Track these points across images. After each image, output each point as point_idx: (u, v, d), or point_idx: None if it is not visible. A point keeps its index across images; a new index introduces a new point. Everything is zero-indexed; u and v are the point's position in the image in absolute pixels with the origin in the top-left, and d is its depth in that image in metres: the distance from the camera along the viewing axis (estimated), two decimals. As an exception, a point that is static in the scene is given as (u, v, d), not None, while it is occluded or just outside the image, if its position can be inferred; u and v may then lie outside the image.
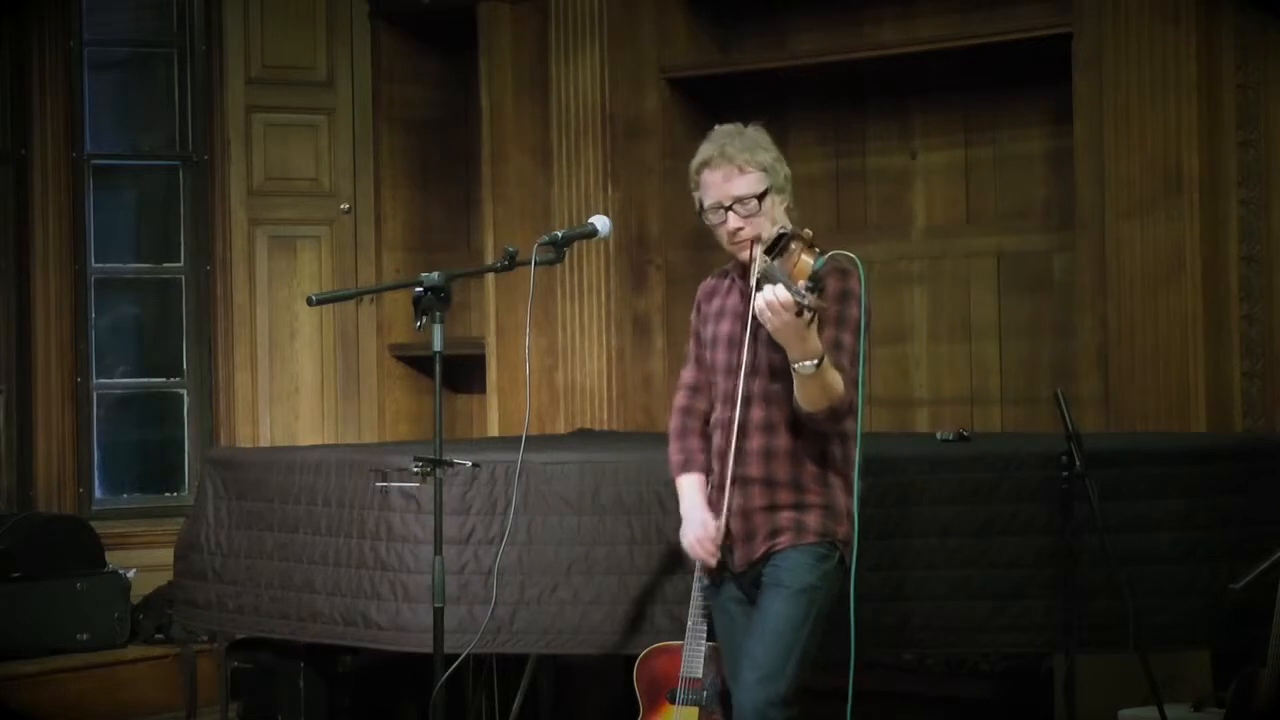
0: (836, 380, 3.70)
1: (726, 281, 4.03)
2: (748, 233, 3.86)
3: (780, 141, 7.10)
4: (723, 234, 3.92)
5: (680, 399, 4.12)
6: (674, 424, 4.12)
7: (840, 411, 3.76)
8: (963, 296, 6.83)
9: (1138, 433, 5.82)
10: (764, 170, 3.88)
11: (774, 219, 3.88)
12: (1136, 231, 5.96)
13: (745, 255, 3.86)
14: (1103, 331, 6.04)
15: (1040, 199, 6.69)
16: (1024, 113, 6.71)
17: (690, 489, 4.02)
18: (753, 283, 3.72)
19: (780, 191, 3.92)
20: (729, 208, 3.87)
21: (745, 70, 7.04)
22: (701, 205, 3.94)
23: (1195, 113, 5.89)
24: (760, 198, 3.86)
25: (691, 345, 4.13)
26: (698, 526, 3.94)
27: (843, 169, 7.06)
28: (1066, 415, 4.52)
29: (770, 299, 3.54)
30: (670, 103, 7.09)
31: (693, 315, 4.12)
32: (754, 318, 3.72)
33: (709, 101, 7.12)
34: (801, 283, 3.50)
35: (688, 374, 4.13)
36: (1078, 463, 4.48)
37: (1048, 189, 6.64)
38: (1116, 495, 4.63)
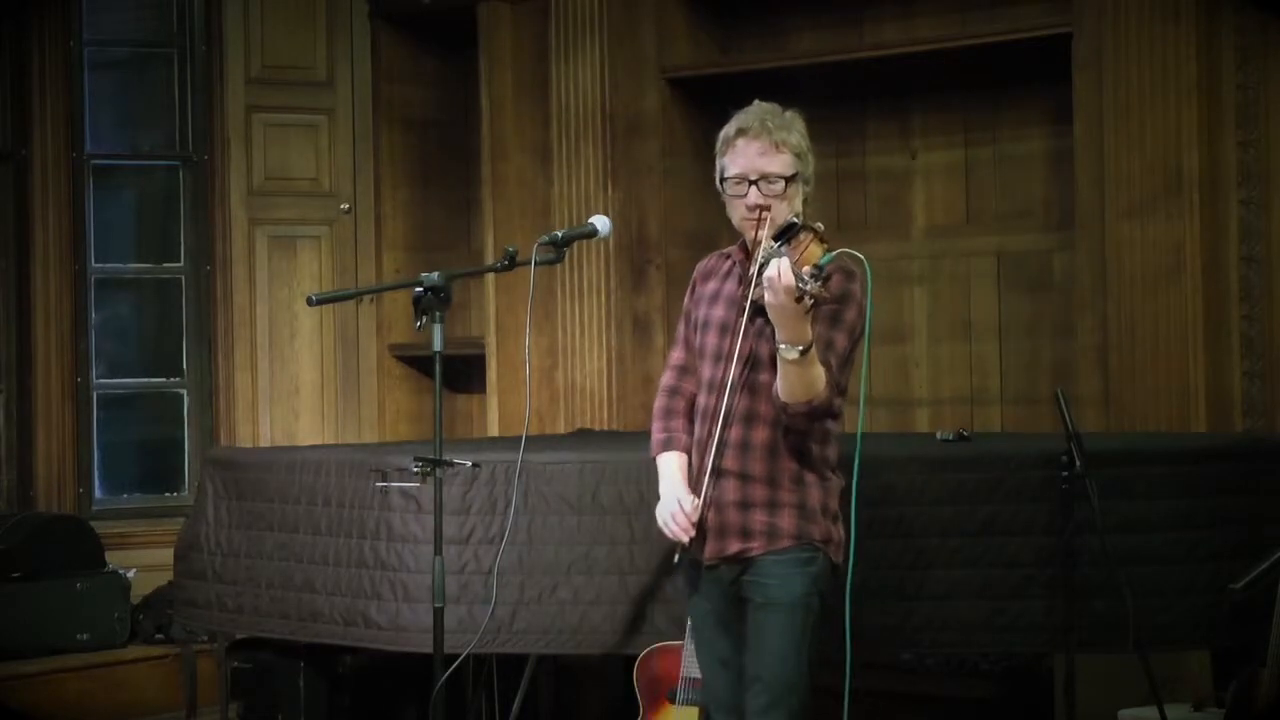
0: (820, 377, 3.62)
1: (727, 264, 3.94)
2: (766, 212, 3.75)
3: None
4: (738, 207, 3.81)
5: (667, 378, 4.03)
6: (658, 404, 4.03)
7: (819, 410, 3.68)
8: (963, 296, 6.83)
9: (1138, 433, 5.82)
10: (797, 156, 3.79)
11: (793, 207, 3.79)
12: (1136, 231, 5.96)
13: (754, 234, 3.76)
14: (1103, 331, 6.04)
15: (1040, 199, 6.69)
16: (1024, 113, 6.71)
17: (670, 467, 3.92)
18: (754, 269, 3.65)
19: (806, 183, 3.83)
20: (754, 182, 3.77)
21: (745, 70, 7.02)
22: (723, 174, 3.84)
23: (1195, 113, 5.89)
24: (788, 181, 3.77)
25: (681, 326, 4.04)
26: (672, 503, 3.83)
27: (843, 169, 7.05)
28: (1066, 415, 4.52)
29: (772, 275, 3.45)
30: (670, 103, 7.09)
31: (687, 296, 4.03)
32: (750, 306, 3.66)
33: (709, 101, 7.12)
34: (806, 269, 3.44)
35: (676, 355, 4.04)
36: (1078, 463, 4.48)
37: (1048, 189, 6.64)
38: (1116, 495, 4.63)
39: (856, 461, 3.75)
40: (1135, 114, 5.95)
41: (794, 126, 3.83)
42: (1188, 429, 5.81)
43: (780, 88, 7.07)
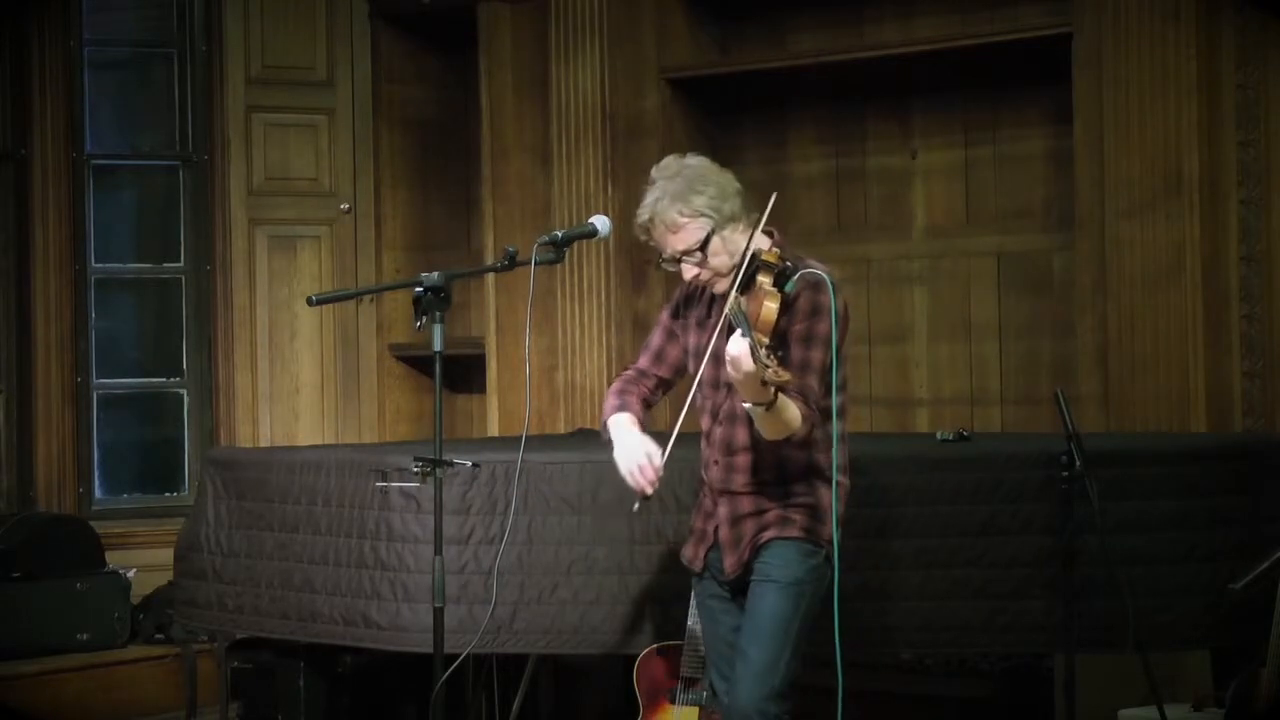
0: (794, 415, 3.68)
1: (703, 290, 4.01)
2: (705, 275, 3.87)
3: (780, 141, 7.11)
4: (683, 278, 3.93)
5: (626, 377, 4.11)
6: (615, 386, 4.10)
7: (798, 440, 3.77)
8: (963, 296, 6.83)
9: (1138, 433, 5.83)
10: (703, 214, 3.82)
11: (730, 251, 3.84)
12: (1136, 231, 5.96)
13: (717, 289, 3.89)
14: (1103, 331, 6.04)
15: (1040, 199, 6.68)
16: (1024, 113, 6.71)
17: (626, 424, 3.97)
18: (724, 317, 3.72)
19: (730, 221, 3.84)
20: (679, 260, 3.87)
21: (745, 70, 7.03)
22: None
23: (1195, 113, 5.89)
24: (705, 243, 3.83)
25: (657, 338, 4.12)
26: (640, 455, 3.87)
27: (843, 169, 7.05)
28: (1066, 415, 4.53)
29: (735, 355, 3.51)
30: (670, 103, 7.08)
31: (666, 311, 4.12)
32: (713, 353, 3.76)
33: (709, 101, 7.12)
34: (763, 349, 3.49)
35: (643, 361, 4.13)
36: (1078, 463, 4.48)
37: (1048, 189, 6.64)
38: (1116, 495, 4.63)
39: (835, 461, 3.79)
40: (1135, 114, 5.95)
41: (691, 187, 3.85)
42: (1188, 429, 5.81)
43: (780, 88, 7.13)
